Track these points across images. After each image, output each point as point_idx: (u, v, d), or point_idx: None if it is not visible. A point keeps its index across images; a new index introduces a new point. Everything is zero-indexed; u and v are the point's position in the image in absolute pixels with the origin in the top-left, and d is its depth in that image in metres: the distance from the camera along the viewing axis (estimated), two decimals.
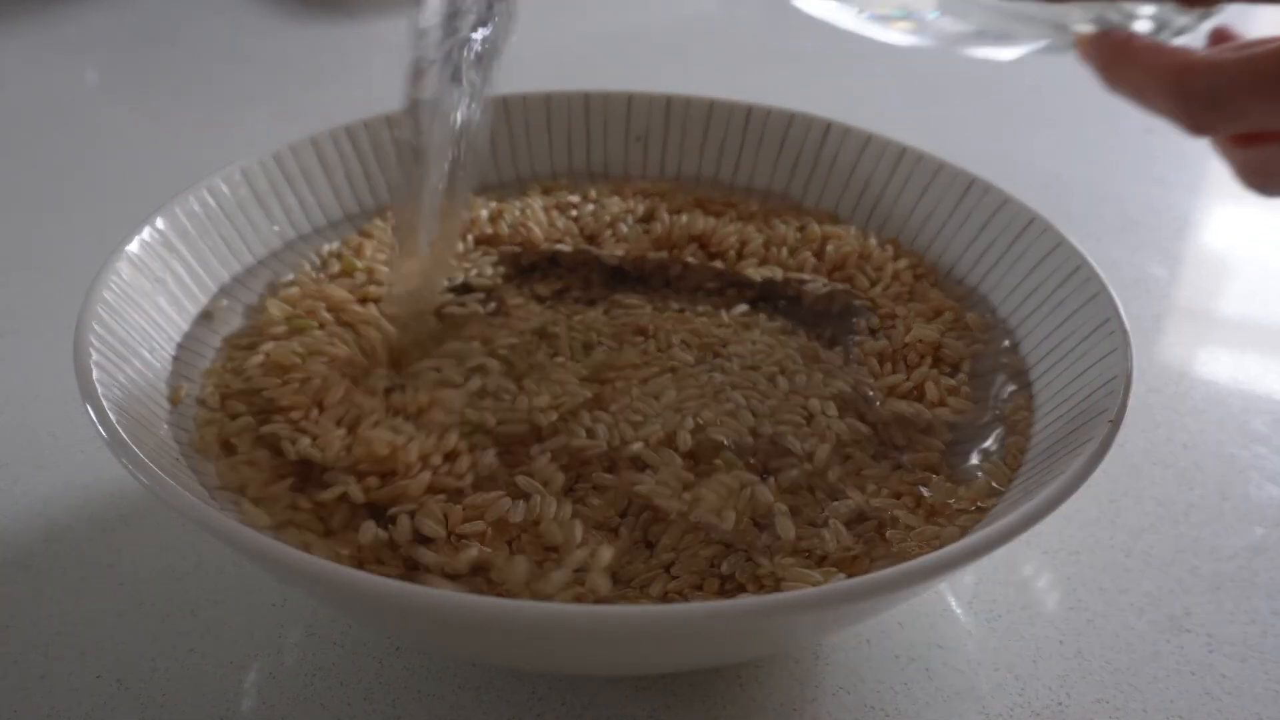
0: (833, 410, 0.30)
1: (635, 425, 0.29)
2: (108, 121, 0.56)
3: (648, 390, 0.31)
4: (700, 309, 0.35)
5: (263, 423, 0.29)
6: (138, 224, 0.32)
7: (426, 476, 0.27)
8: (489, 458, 0.28)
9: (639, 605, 0.24)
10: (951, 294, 0.35)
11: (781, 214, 0.38)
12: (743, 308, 0.35)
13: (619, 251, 0.36)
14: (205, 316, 0.32)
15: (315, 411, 0.29)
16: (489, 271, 0.35)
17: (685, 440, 0.29)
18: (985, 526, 0.26)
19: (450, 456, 0.28)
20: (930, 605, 0.30)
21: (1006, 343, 0.33)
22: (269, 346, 0.31)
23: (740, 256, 0.37)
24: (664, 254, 0.36)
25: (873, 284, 0.35)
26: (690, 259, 0.36)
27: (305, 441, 0.28)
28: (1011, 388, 0.32)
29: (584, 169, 0.41)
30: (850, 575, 0.26)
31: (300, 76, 0.61)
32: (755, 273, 0.36)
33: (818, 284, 0.35)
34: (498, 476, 0.28)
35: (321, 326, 0.32)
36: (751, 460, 0.29)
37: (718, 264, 0.36)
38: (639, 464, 0.29)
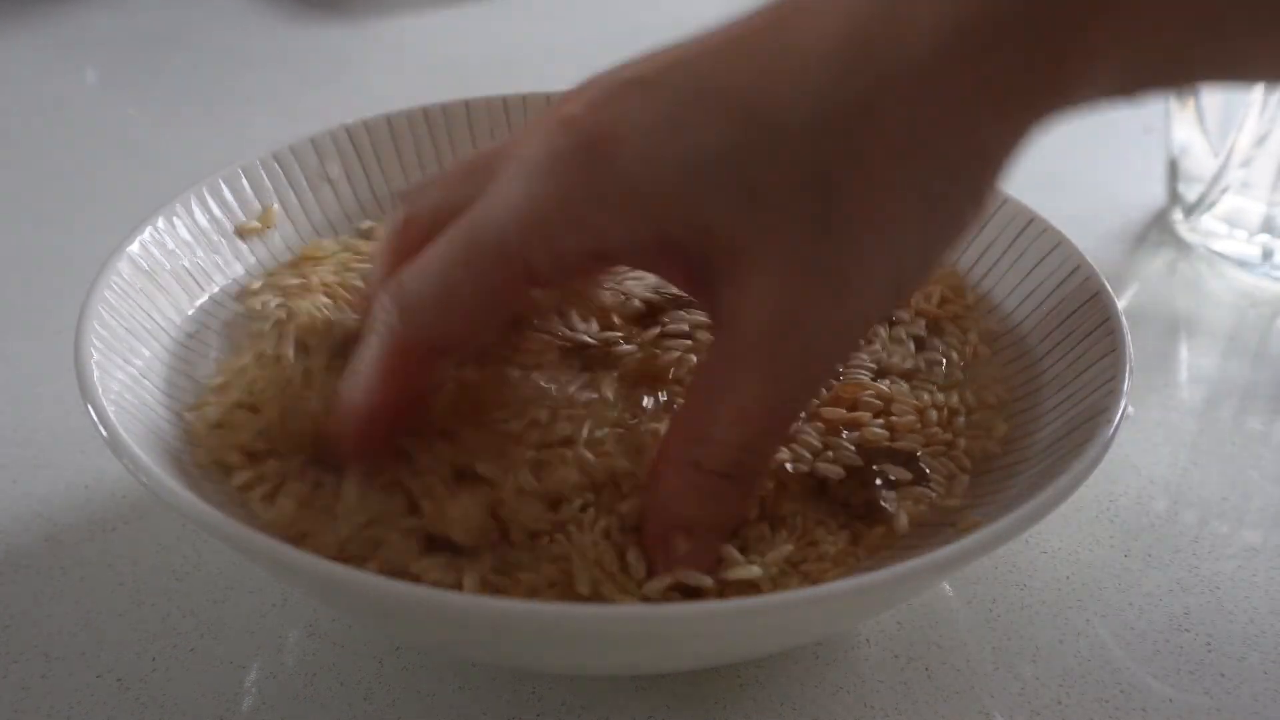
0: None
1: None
2: (108, 121, 0.56)
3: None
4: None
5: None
6: (138, 224, 0.32)
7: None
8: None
9: (639, 605, 0.24)
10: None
11: None
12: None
13: None
14: (206, 315, 0.32)
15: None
16: None
17: None
18: (986, 526, 0.26)
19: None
20: (930, 605, 0.30)
21: (1005, 341, 0.33)
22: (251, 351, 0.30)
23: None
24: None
25: None
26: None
27: None
28: (1010, 386, 0.32)
29: None
30: (849, 575, 0.25)
31: (300, 76, 0.61)
32: None
33: None
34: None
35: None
36: None
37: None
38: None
